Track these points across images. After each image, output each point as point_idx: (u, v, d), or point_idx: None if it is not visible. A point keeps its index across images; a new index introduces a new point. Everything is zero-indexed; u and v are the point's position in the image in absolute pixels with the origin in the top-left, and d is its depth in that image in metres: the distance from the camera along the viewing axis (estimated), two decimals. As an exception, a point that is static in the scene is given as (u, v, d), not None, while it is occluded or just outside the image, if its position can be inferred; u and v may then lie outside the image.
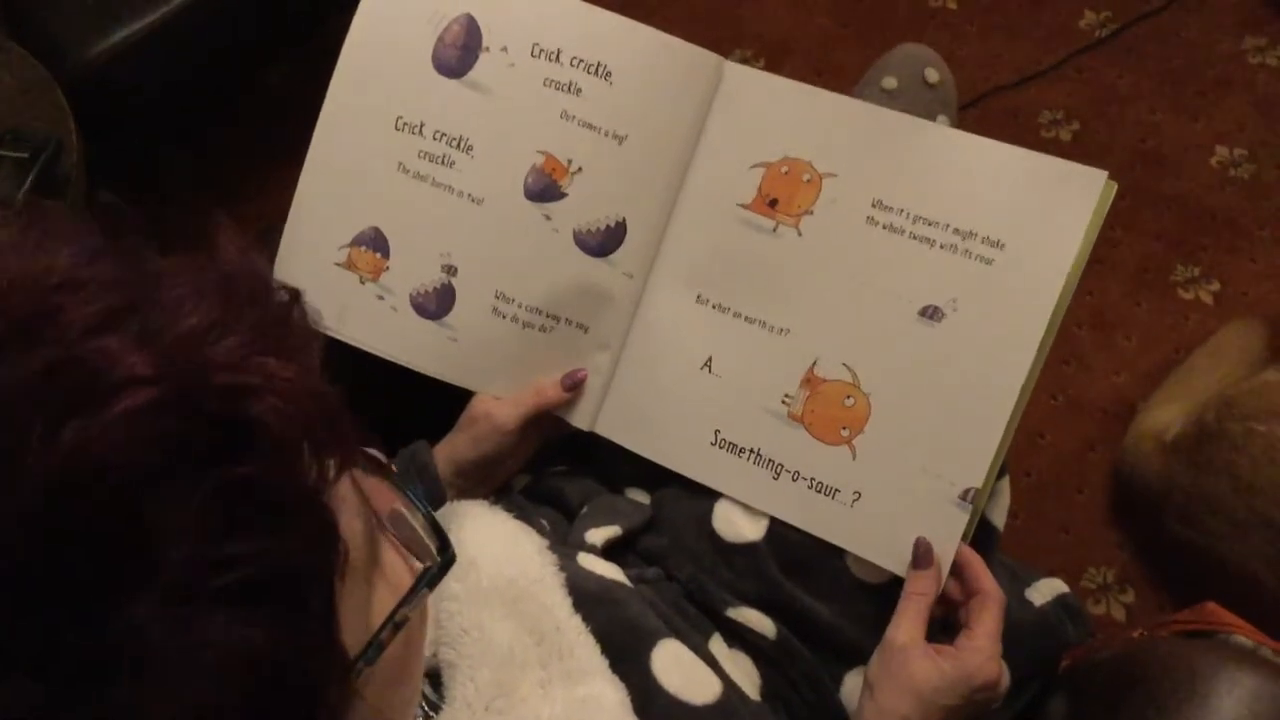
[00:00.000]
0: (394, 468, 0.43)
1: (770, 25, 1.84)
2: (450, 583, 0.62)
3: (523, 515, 0.73)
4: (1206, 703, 0.66)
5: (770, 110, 0.77)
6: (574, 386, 0.79)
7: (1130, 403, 1.45)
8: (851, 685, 0.74)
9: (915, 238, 0.73)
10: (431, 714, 0.56)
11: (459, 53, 0.78)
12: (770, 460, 0.75)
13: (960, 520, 0.71)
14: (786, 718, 0.74)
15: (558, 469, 0.85)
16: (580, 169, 0.78)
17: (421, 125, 0.79)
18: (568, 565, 0.69)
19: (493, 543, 0.67)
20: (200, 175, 1.72)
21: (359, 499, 0.40)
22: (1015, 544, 1.30)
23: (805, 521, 0.74)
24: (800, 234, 0.76)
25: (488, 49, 0.78)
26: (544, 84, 0.77)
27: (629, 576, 0.73)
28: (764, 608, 0.75)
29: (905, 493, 0.72)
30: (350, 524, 0.38)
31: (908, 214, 0.74)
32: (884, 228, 0.74)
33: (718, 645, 0.74)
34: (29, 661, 0.29)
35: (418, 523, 0.43)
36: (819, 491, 0.74)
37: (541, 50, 0.77)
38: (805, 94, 0.77)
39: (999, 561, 0.79)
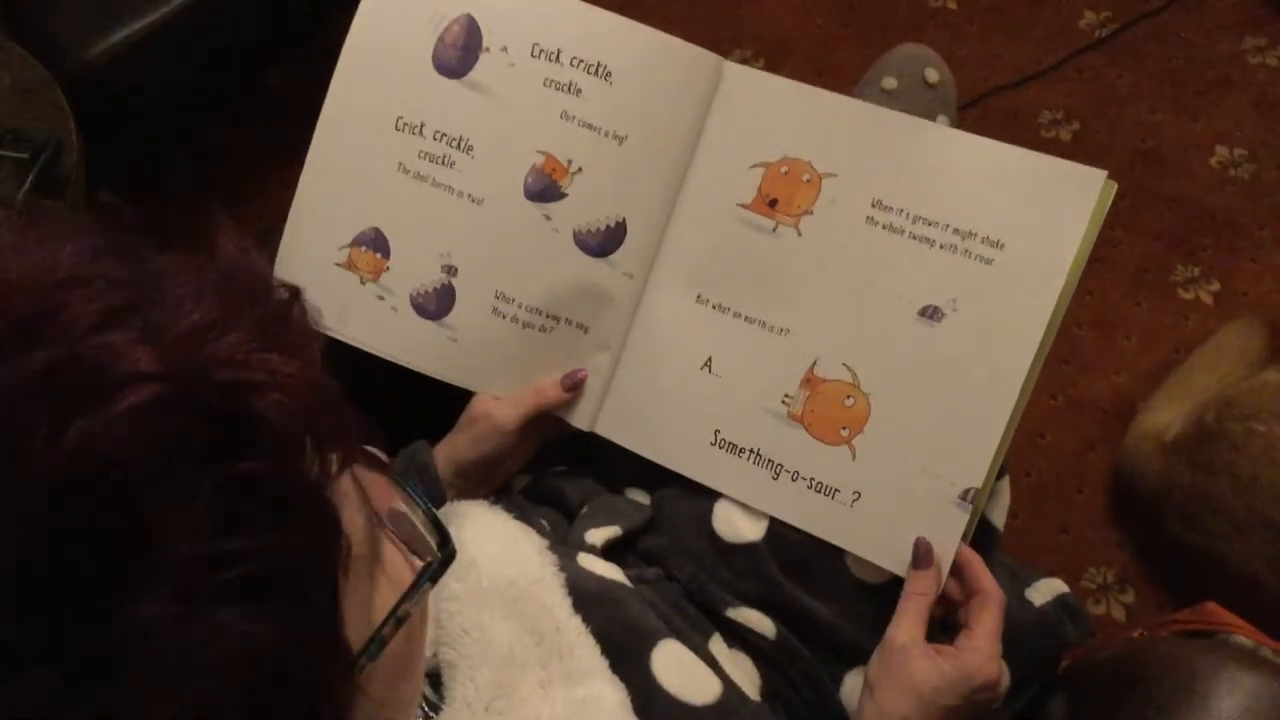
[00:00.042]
0: (393, 465, 0.43)
1: (770, 25, 1.84)
2: (450, 583, 0.62)
3: (523, 515, 0.73)
4: (1206, 703, 0.66)
5: (770, 110, 0.77)
6: (574, 387, 0.79)
7: (1130, 403, 1.45)
8: (851, 685, 0.74)
9: (915, 238, 0.73)
10: (431, 714, 0.56)
11: (459, 53, 0.78)
12: (770, 460, 0.75)
13: (960, 520, 0.71)
14: (786, 718, 0.74)
15: (558, 469, 0.85)
16: (580, 169, 0.78)
17: (422, 125, 0.79)
18: (568, 565, 0.69)
19: (493, 543, 0.67)
20: (200, 175, 1.73)
21: (360, 495, 0.40)
22: (1015, 544, 1.30)
23: (805, 521, 0.74)
24: (800, 234, 0.76)
25: (488, 49, 0.78)
26: (544, 84, 0.77)
27: (629, 577, 0.73)
28: (764, 608, 0.75)
29: (905, 493, 0.72)
30: (352, 519, 0.38)
31: (907, 214, 0.74)
32: (884, 228, 0.74)
33: (718, 645, 0.74)
34: (42, 656, 0.29)
35: (418, 519, 0.44)
36: (819, 491, 0.74)
37: (541, 50, 0.77)
38: (805, 94, 0.77)
39: (999, 561, 0.79)
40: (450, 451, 0.79)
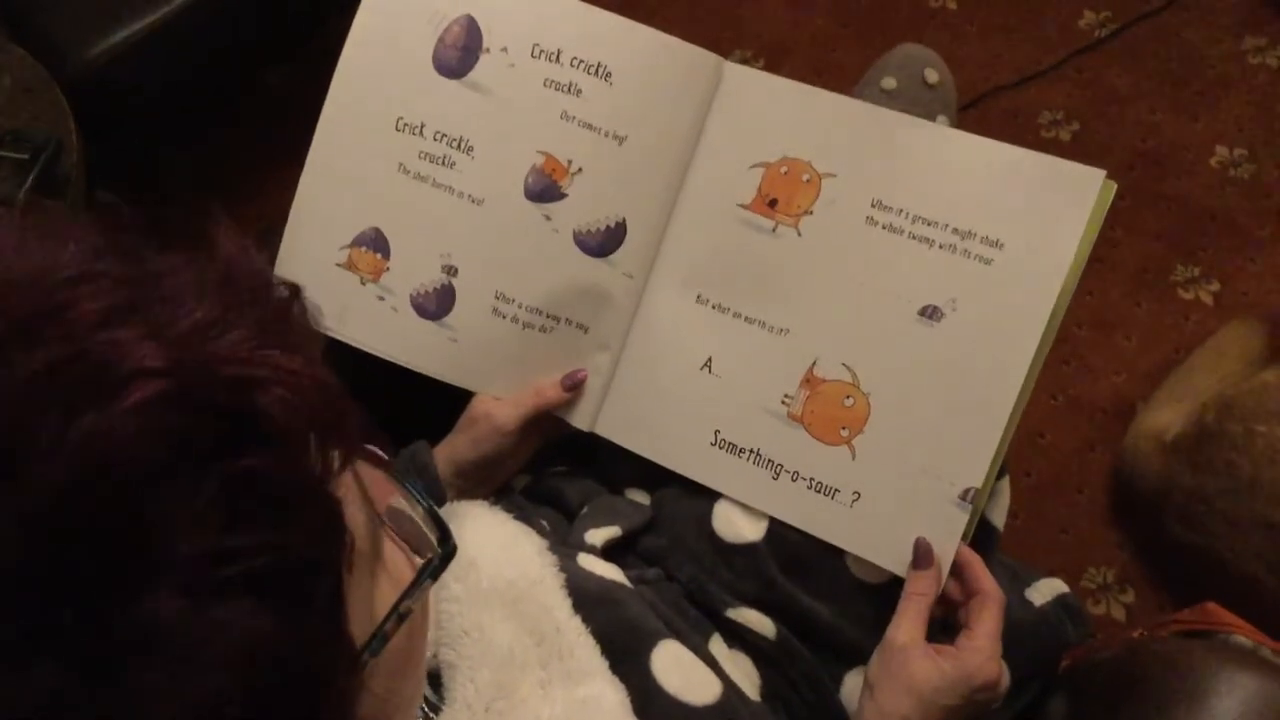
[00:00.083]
0: (394, 463, 0.44)
1: (770, 25, 1.84)
2: (450, 584, 0.62)
3: (523, 516, 0.73)
4: (1206, 703, 0.66)
5: (770, 110, 0.77)
6: (574, 387, 0.79)
7: (1130, 403, 1.45)
8: (851, 685, 0.74)
9: (914, 238, 0.73)
10: (431, 715, 0.56)
11: (459, 53, 0.78)
12: (770, 460, 0.75)
13: (960, 520, 0.71)
14: (786, 718, 0.74)
15: (558, 469, 0.85)
16: (580, 169, 0.78)
17: (422, 126, 0.79)
18: (568, 566, 0.69)
19: (493, 543, 0.67)
20: (200, 175, 1.73)
21: (361, 492, 0.40)
22: (1015, 544, 1.30)
23: (805, 522, 0.74)
24: (800, 234, 0.76)
25: (488, 50, 0.78)
26: (544, 84, 0.77)
27: (629, 577, 0.73)
28: (764, 608, 0.75)
29: (905, 493, 0.72)
30: (354, 516, 0.38)
31: (907, 214, 0.74)
32: (883, 228, 0.74)
33: (718, 646, 0.74)
34: (48, 653, 0.30)
35: (418, 516, 0.44)
36: (818, 492, 0.74)
37: (541, 51, 0.77)
38: (805, 94, 0.77)
39: (999, 561, 0.79)
40: (450, 452, 0.79)
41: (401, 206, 0.79)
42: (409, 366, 0.80)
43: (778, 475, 0.75)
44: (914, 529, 0.71)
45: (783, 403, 0.75)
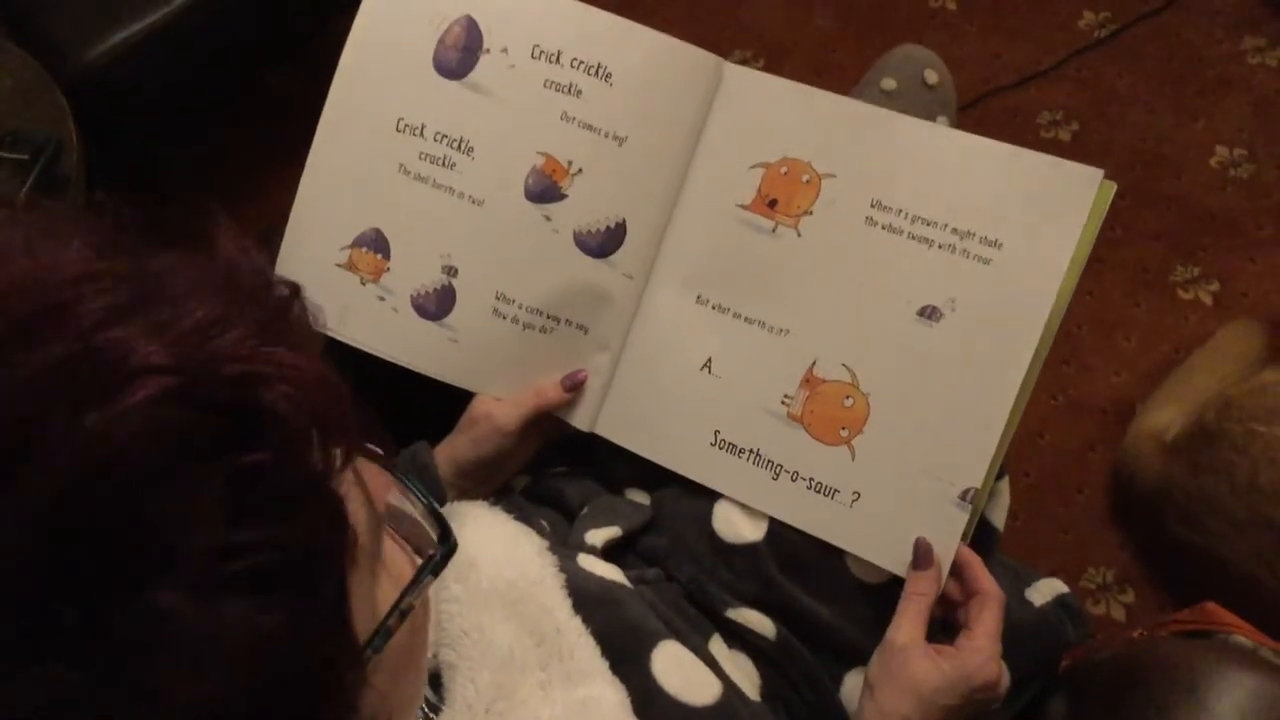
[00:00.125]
0: (394, 461, 0.44)
1: (770, 25, 1.84)
2: (450, 584, 0.62)
3: (523, 516, 0.73)
4: (1206, 703, 0.66)
5: (769, 111, 0.77)
6: (574, 387, 0.79)
7: (1130, 403, 1.45)
8: (851, 685, 0.74)
9: (914, 238, 0.73)
10: (432, 715, 0.56)
11: (460, 54, 0.78)
12: (770, 461, 0.75)
13: (960, 520, 0.71)
14: (786, 718, 0.74)
15: (558, 470, 0.85)
16: (580, 170, 0.78)
17: (422, 127, 0.79)
18: (568, 566, 0.69)
19: (493, 544, 0.67)
20: (200, 175, 1.73)
21: (363, 490, 0.40)
22: (1015, 544, 1.30)
23: (805, 522, 0.74)
24: (799, 234, 0.76)
25: (488, 50, 0.78)
26: (544, 85, 0.77)
27: (629, 577, 0.73)
28: (764, 608, 0.75)
29: (905, 493, 0.72)
30: (356, 513, 0.38)
31: (906, 214, 0.74)
32: (883, 228, 0.74)
33: (718, 646, 0.74)
34: (58, 650, 0.30)
35: (418, 512, 0.44)
36: (818, 492, 0.74)
37: (542, 52, 0.77)
38: (804, 95, 0.77)
39: (999, 562, 0.79)
40: (450, 452, 0.79)
41: (402, 207, 0.80)
42: (409, 367, 0.80)
43: (777, 475, 0.75)
44: (914, 529, 0.71)
45: (782, 403, 0.75)
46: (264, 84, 1.73)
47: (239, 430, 0.33)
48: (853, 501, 0.73)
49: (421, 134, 0.79)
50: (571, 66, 0.77)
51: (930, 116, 0.91)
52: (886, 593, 0.73)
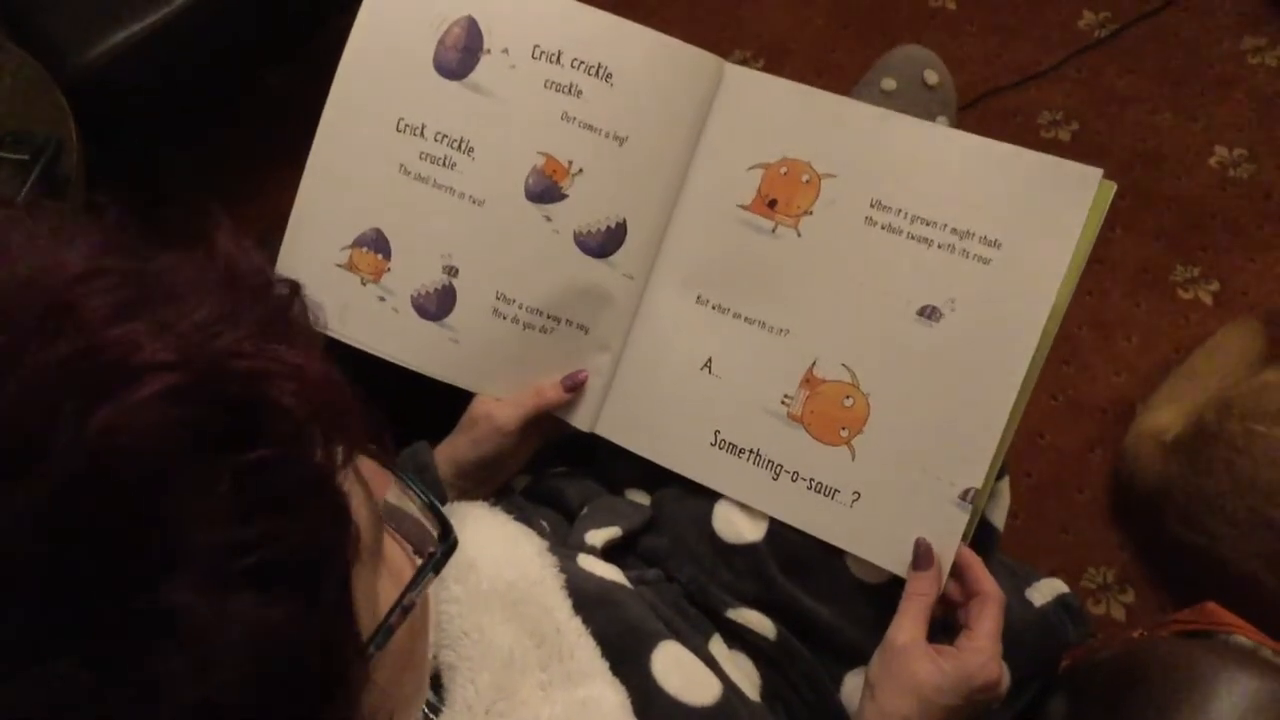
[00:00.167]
0: (395, 459, 0.44)
1: (770, 25, 1.84)
2: (450, 585, 0.62)
3: (523, 516, 0.73)
4: (1206, 703, 0.66)
5: (770, 111, 0.77)
6: (574, 387, 0.79)
7: (1130, 403, 1.45)
8: (852, 686, 0.74)
9: (913, 238, 0.73)
10: (432, 716, 0.56)
11: (460, 55, 0.78)
12: (770, 461, 0.75)
13: (960, 521, 0.71)
14: (786, 718, 0.74)
15: (558, 470, 0.85)
16: (581, 170, 0.78)
17: (423, 127, 0.79)
18: (568, 567, 0.69)
19: (493, 544, 0.67)
20: (200, 175, 1.73)
21: (363, 487, 0.40)
22: (1015, 544, 1.30)
23: (805, 522, 0.74)
24: (799, 235, 0.76)
25: (489, 51, 0.78)
26: (545, 85, 0.77)
27: (629, 578, 0.73)
28: (764, 608, 0.75)
29: (905, 493, 0.72)
30: (358, 510, 0.38)
31: (906, 214, 0.74)
32: (882, 228, 0.74)
33: (718, 646, 0.74)
34: (68, 645, 0.30)
35: (418, 510, 0.44)
36: (818, 492, 0.74)
37: (542, 52, 0.77)
38: (804, 95, 0.77)
39: (999, 562, 0.79)
40: (451, 452, 0.79)
41: (402, 207, 0.80)
42: (409, 367, 0.80)
43: (778, 475, 0.75)
44: (914, 529, 0.71)
45: (782, 403, 0.75)
46: (264, 84, 1.73)
47: (245, 426, 0.33)
48: (853, 502, 0.73)
49: (422, 134, 0.79)
50: (572, 67, 0.77)
51: (930, 116, 0.91)
52: (887, 593, 0.73)
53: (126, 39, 1.40)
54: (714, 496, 0.77)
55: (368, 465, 0.41)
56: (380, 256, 0.80)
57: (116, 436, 0.30)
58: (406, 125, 0.79)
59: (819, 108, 0.77)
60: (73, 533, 0.30)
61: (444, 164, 0.79)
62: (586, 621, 0.65)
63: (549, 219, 0.78)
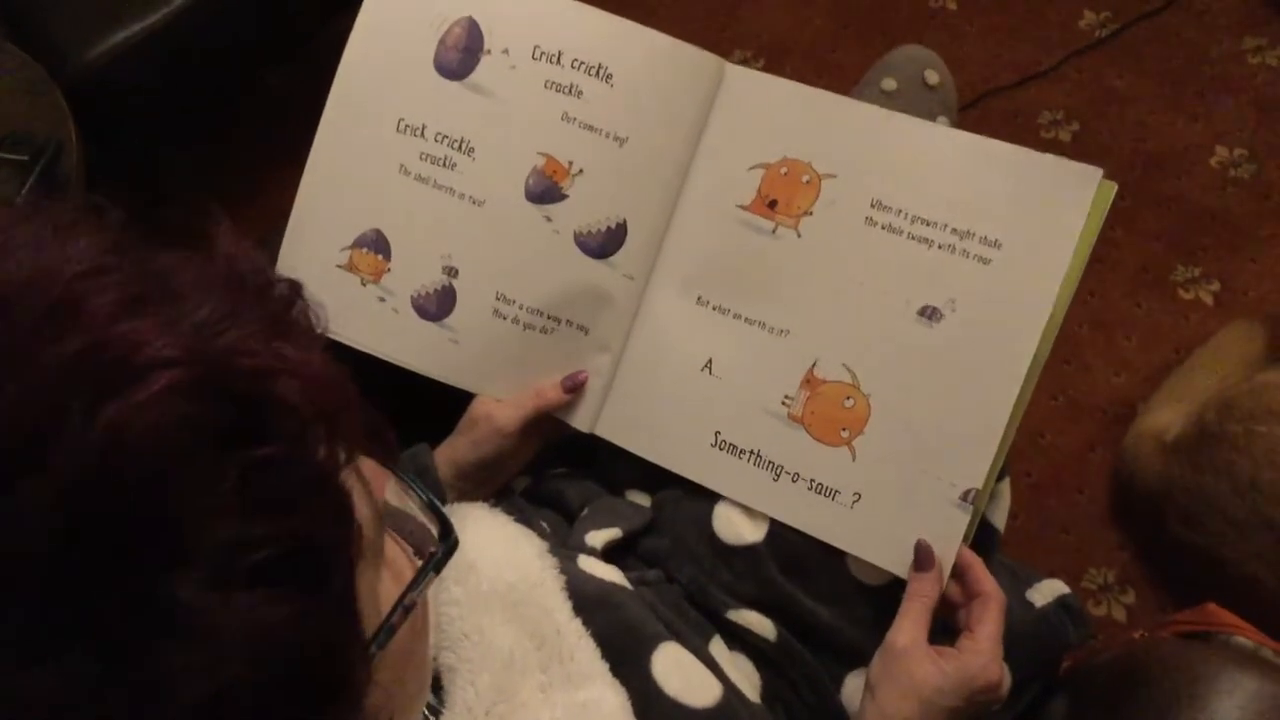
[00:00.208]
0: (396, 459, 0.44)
1: (770, 26, 1.84)
2: (450, 586, 0.62)
3: (523, 518, 0.73)
4: (1207, 705, 0.66)
5: (770, 112, 0.77)
6: (574, 388, 0.79)
7: (1130, 403, 1.45)
8: (852, 687, 0.74)
9: (914, 238, 0.73)
10: (432, 718, 0.56)
11: (460, 55, 0.78)
12: (770, 462, 0.75)
13: (961, 521, 0.71)
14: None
15: (558, 471, 0.85)
16: (581, 171, 0.78)
17: (423, 127, 0.79)
18: (568, 568, 0.69)
19: (493, 546, 0.67)
20: (200, 175, 1.73)
21: (365, 487, 0.40)
22: (1016, 545, 1.30)
23: (805, 523, 0.74)
24: (799, 235, 0.76)
25: (489, 51, 0.78)
26: (545, 86, 0.77)
27: (629, 579, 0.73)
28: (764, 609, 0.75)
29: (905, 494, 0.72)
30: (361, 508, 0.38)
31: (906, 214, 0.74)
32: (883, 228, 0.74)
33: (718, 647, 0.74)
34: (79, 639, 0.30)
35: (419, 510, 0.44)
36: (819, 493, 0.74)
37: (543, 53, 0.77)
38: (805, 95, 0.77)
39: (999, 563, 0.79)
40: (450, 454, 0.79)
41: (402, 208, 0.79)
42: (409, 368, 0.80)
43: (778, 476, 0.75)
44: (914, 530, 0.71)
45: (783, 404, 0.75)
46: (264, 84, 1.73)
47: (251, 423, 0.33)
48: (853, 502, 0.73)
49: (422, 134, 0.79)
50: (572, 67, 0.77)
51: (931, 117, 0.91)
52: (887, 594, 0.73)
53: (126, 39, 1.40)
54: (714, 497, 0.77)
55: (368, 465, 0.42)
56: (380, 257, 0.80)
57: (123, 433, 0.30)
58: (407, 125, 0.79)
59: (819, 108, 0.77)
60: (80, 530, 0.30)
61: (444, 164, 0.79)
62: (587, 623, 0.65)
63: (549, 219, 0.78)
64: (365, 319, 0.80)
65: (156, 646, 0.30)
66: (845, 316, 0.74)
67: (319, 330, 0.40)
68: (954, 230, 0.72)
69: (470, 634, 0.60)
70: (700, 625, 0.74)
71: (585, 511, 0.79)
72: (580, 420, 0.80)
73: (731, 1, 1.86)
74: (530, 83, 0.77)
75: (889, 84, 0.93)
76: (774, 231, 0.76)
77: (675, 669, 0.67)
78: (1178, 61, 1.72)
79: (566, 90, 0.77)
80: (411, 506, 0.45)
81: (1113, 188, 0.70)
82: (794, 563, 0.75)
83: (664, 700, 0.65)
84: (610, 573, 0.72)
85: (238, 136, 1.74)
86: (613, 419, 0.80)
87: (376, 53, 0.79)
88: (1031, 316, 0.70)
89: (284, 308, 0.38)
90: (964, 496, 0.71)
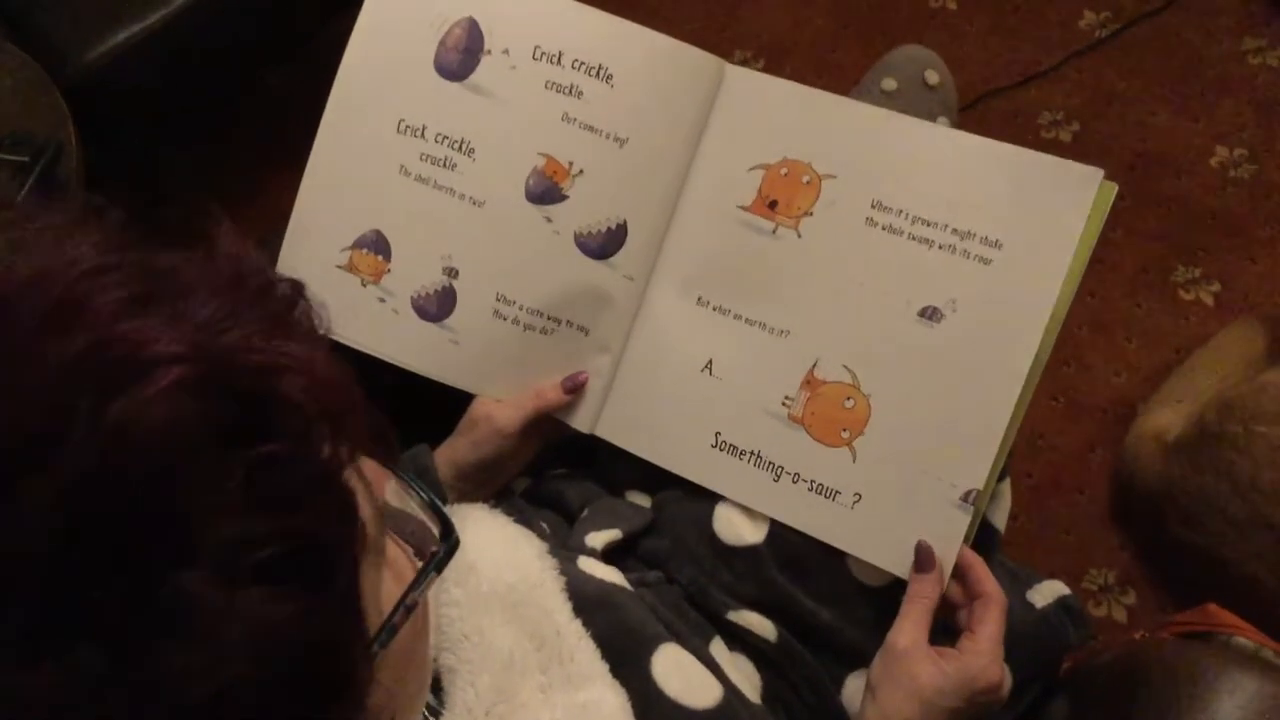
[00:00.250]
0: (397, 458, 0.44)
1: (770, 26, 1.84)
2: (450, 587, 0.62)
3: (523, 519, 0.73)
4: (1207, 705, 0.66)
5: (770, 112, 0.77)
6: (575, 389, 0.79)
7: (1131, 404, 1.45)
8: (853, 688, 0.74)
9: (914, 238, 0.73)
10: (432, 719, 0.56)
11: (461, 56, 0.78)
12: (771, 462, 0.75)
13: (961, 522, 0.71)
14: (787, 720, 0.74)
15: (558, 472, 0.85)
16: (581, 171, 0.78)
17: (423, 128, 0.79)
18: (568, 569, 0.69)
19: (493, 547, 0.67)
20: (200, 175, 1.73)
21: (366, 486, 0.40)
22: (1016, 546, 1.30)
23: (806, 524, 0.74)
24: (800, 235, 0.76)
25: (489, 52, 0.78)
26: (545, 87, 0.77)
27: (630, 580, 0.73)
28: (765, 610, 0.75)
29: (906, 495, 0.72)
30: (363, 507, 0.38)
31: (906, 215, 0.74)
32: (883, 229, 0.74)
33: (718, 648, 0.74)
34: (86, 634, 0.30)
35: (419, 510, 0.44)
36: (819, 494, 0.74)
37: (543, 53, 0.77)
38: (805, 96, 0.77)
39: (1000, 563, 0.79)
40: (451, 454, 0.79)
41: (402, 208, 0.79)
42: (410, 369, 0.80)
43: (778, 477, 0.75)
44: (915, 531, 0.71)
45: (783, 404, 0.75)
46: (264, 84, 1.73)
47: (256, 421, 0.33)
48: (854, 503, 0.73)
49: (422, 135, 0.79)
50: (572, 68, 0.77)
51: (931, 117, 0.91)
52: (888, 595, 0.73)
53: (126, 39, 1.40)
54: (714, 498, 0.77)
55: (368, 465, 0.42)
56: (380, 258, 0.80)
57: (130, 429, 0.30)
58: (407, 126, 0.79)
59: (819, 108, 0.77)
60: (87, 527, 0.30)
61: (444, 165, 0.79)
62: (587, 624, 0.65)
63: (549, 220, 0.78)
64: (365, 320, 0.80)
65: (158, 645, 0.30)
66: (846, 317, 0.74)
67: (322, 330, 0.40)
68: (954, 231, 0.72)
69: (470, 635, 0.60)
70: (700, 626, 0.74)
71: (585, 512, 0.79)
72: (580, 421, 0.80)
73: (731, 1, 1.86)
74: (530, 83, 0.77)
75: (889, 84, 0.93)
76: (774, 232, 0.76)
77: (675, 670, 0.67)
78: (1178, 61, 1.72)
79: (567, 91, 0.77)
80: (412, 507, 0.45)
81: (1113, 188, 0.70)
82: (794, 563, 0.75)
83: (664, 701, 0.65)
84: (610, 574, 0.72)
85: (238, 136, 1.74)
86: (613, 420, 0.80)
87: (377, 53, 0.79)
88: (1032, 317, 0.70)
89: (287, 307, 0.39)
90: (965, 497, 0.71)
